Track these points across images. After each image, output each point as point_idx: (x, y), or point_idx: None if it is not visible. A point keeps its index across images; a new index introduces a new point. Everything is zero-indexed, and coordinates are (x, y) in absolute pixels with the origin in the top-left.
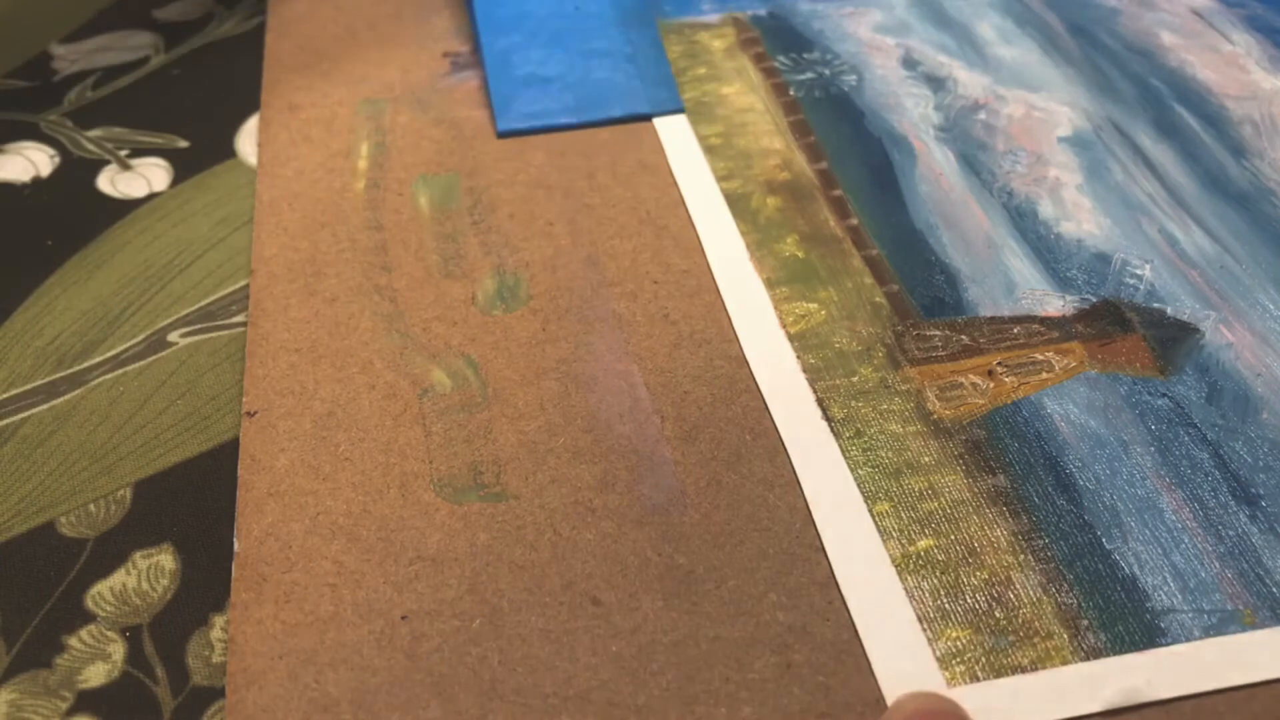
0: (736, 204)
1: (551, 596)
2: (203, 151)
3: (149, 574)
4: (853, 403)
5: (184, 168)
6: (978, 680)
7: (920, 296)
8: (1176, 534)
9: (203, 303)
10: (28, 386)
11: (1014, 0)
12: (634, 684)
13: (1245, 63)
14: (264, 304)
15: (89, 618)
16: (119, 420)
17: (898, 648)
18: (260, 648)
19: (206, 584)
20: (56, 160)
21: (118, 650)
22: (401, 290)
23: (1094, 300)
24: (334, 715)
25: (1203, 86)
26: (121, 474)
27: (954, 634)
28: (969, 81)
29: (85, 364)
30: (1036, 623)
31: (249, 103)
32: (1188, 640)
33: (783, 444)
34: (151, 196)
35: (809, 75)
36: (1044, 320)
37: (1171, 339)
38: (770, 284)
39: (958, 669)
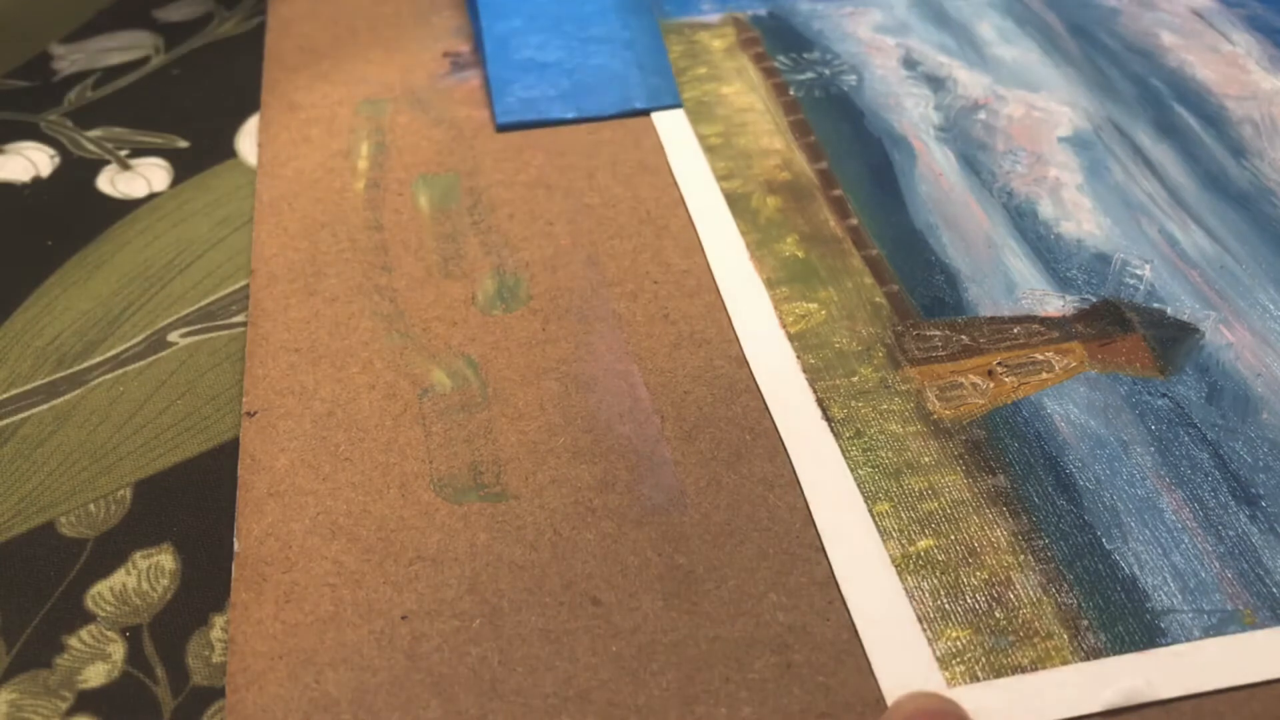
0: (736, 204)
1: (551, 596)
2: (203, 151)
3: (149, 574)
4: (853, 403)
5: (184, 168)
6: (978, 680)
7: (920, 296)
8: (1176, 534)
9: (203, 303)
10: (28, 386)
11: (1014, 0)
12: (634, 684)
13: (1245, 63)
14: (264, 304)
15: (89, 618)
16: (119, 420)
17: (898, 648)
18: (260, 648)
19: (206, 584)
20: (56, 160)
21: (118, 650)
22: (401, 290)
23: (1094, 300)
24: (334, 715)
25: (1203, 86)
26: (121, 474)
27: (954, 634)
28: (969, 81)
29: (85, 364)
30: (1036, 623)
31: (249, 103)
32: (1188, 640)
33: (783, 444)
34: (151, 196)
35: (809, 75)
36: (1044, 320)
37: (1171, 339)
38: (770, 284)
39: (958, 669)
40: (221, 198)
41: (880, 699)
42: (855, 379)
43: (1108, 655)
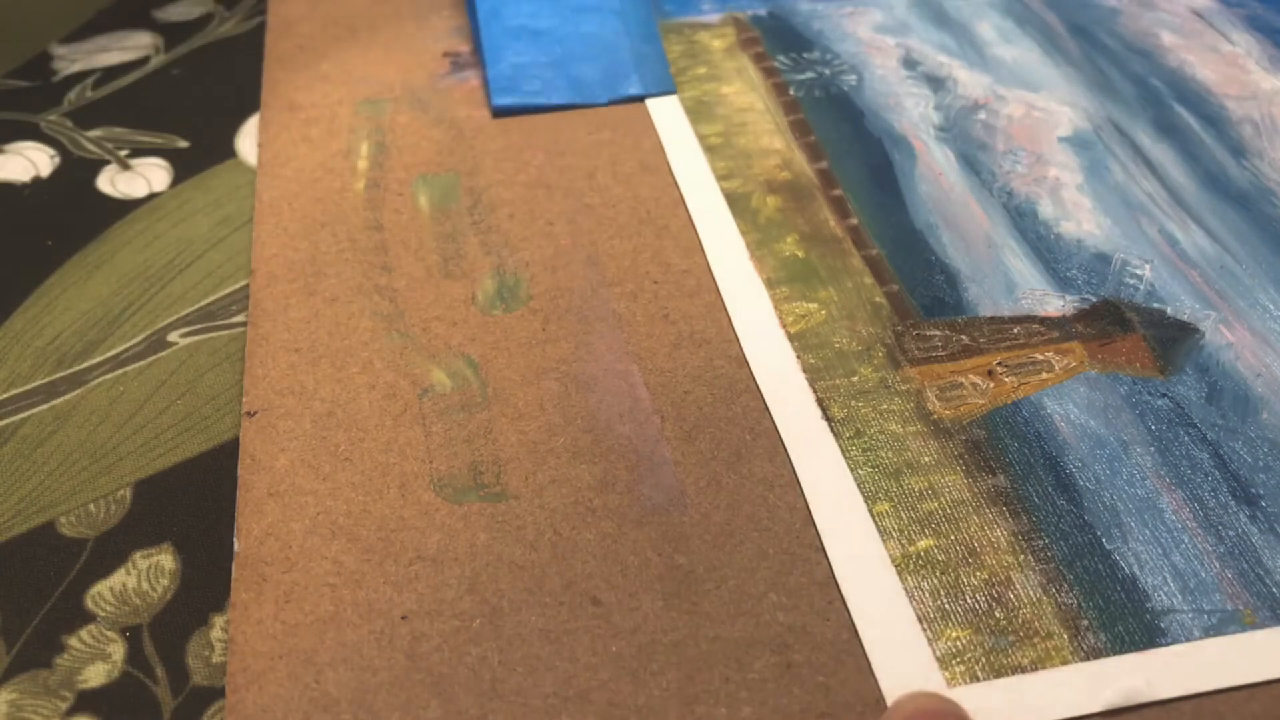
0: (736, 204)
1: (551, 596)
2: (203, 151)
3: (149, 574)
4: (853, 403)
5: (184, 168)
6: (978, 680)
7: (920, 296)
8: (1176, 534)
9: (203, 303)
10: (28, 386)
11: (1014, 0)
12: (634, 684)
13: (1245, 63)
14: (264, 304)
15: (89, 618)
16: (119, 420)
17: (898, 648)
18: (260, 648)
19: (206, 584)
20: (56, 160)
21: (118, 650)
22: (401, 290)
23: (1094, 300)
24: (334, 715)
25: (1203, 86)
26: (121, 474)
27: (954, 634)
28: (969, 81)
29: (85, 364)
30: (1036, 623)
31: (249, 103)
32: (1188, 640)
33: (783, 444)
34: (151, 196)
35: (809, 75)
36: (1044, 320)
37: (1171, 339)
38: (770, 284)
39: (958, 669)
40: (221, 198)
41: (880, 699)
42: (855, 379)
43: (1108, 655)
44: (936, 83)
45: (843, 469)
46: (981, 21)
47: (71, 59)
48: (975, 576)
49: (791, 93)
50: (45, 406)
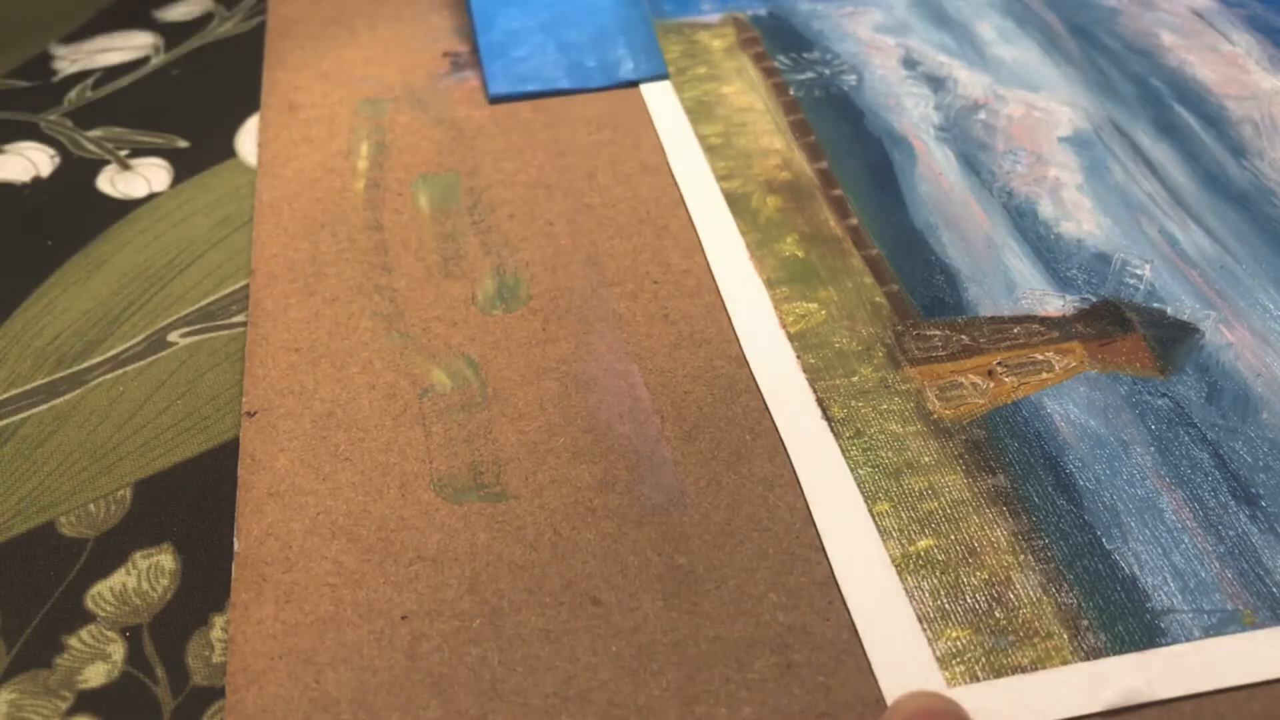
0: (736, 204)
1: (551, 596)
2: (203, 151)
3: (149, 574)
4: (853, 403)
5: (184, 168)
6: (978, 680)
7: (920, 296)
8: (1176, 534)
9: (203, 303)
10: (28, 386)
11: (1014, 0)
12: (634, 684)
13: (1245, 63)
14: (264, 304)
15: (89, 618)
16: (119, 420)
17: (898, 648)
18: (260, 648)
19: (206, 584)
20: (56, 160)
21: (118, 650)
22: (401, 290)
23: (1094, 300)
24: (334, 715)
25: (1203, 86)
26: (121, 474)
27: (954, 634)
28: (969, 81)
29: (85, 364)
30: (1036, 623)
31: (249, 103)
32: (1188, 640)
33: (783, 444)
34: (151, 196)
35: (809, 75)
36: (1044, 320)
37: (1171, 339)
38: (770, 284)
39: (958, 669)
40: (221, 198)
41: (880, 699)
42: (855, 379)
43: (1108, 655)
44: (936, 83)
45: (843, 469)
46: (981, 21)
47: (71, 59)
48: (975, 576)
49: (791, 93)
50: (45, 406)
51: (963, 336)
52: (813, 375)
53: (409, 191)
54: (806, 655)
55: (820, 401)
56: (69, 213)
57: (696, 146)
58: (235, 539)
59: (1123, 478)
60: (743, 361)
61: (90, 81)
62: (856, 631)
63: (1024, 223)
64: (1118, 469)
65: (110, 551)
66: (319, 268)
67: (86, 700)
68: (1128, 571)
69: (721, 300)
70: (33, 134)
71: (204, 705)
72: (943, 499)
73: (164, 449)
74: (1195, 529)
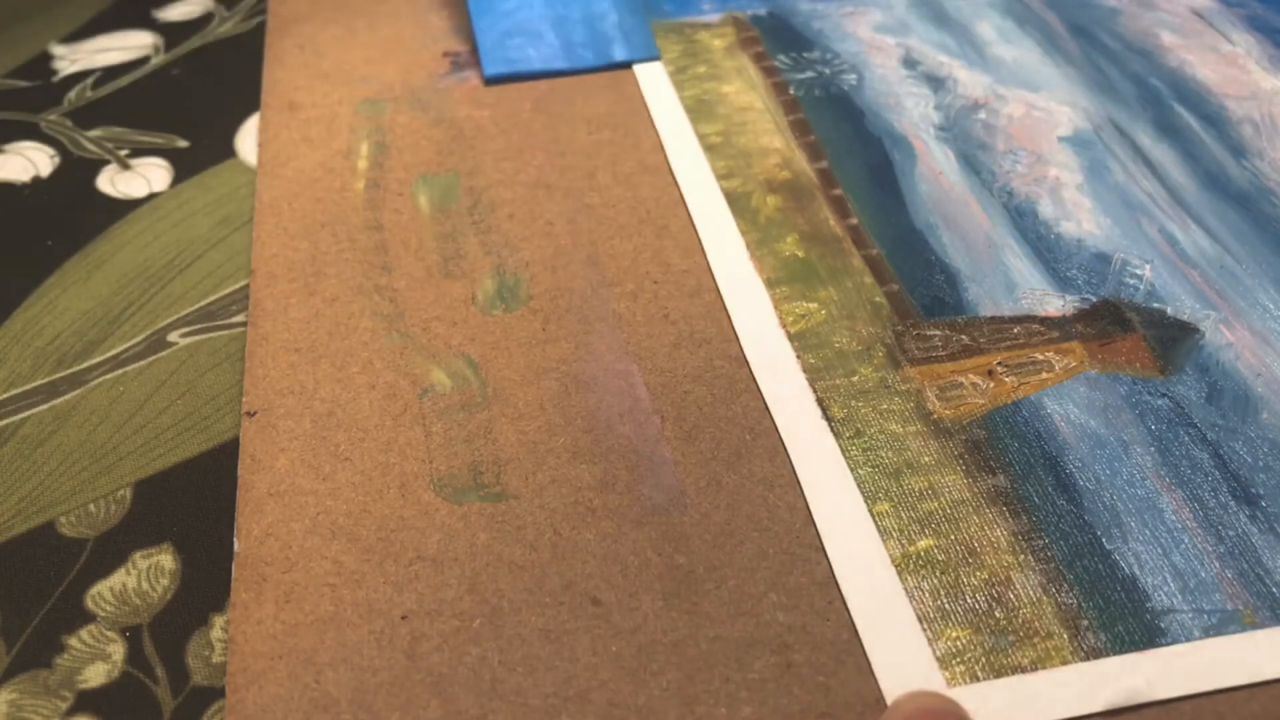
0: (736, 203)
1: (551, 596)
2: (203, 151)
3: (149, 574)
4: (853, 402)
5: (184, 168)
6: (978, 680)
7: (920, 296)
8: (1176, 534)
9: (203, 303)
10: (28, 386)
11: (1014, 0)
12: (634, 684)
13: (1245, 63)
14: (264, 304)
15: (89, 618)
16: (119, 420)
17: (898, 648)
18: (260, 648)
19: (206, 584)
20: (56, 160)
21: (118, 650)
22: (401, 290)
23: (1094, 300)
24: (334, 715)
25: (1203, 86)
26: (121, 474)
27: (954, 634)
28: (969, 81)
29: (85, 364)
30: (1036, 623)
31: (249, 103)
32: (1188, 640)
33: (783, 444)
34: (151, 196)
35: (809, 74)
36: (1044, 320)
37: (1171, 339)
38: (770, 284)
39: (958, 669)
40: (221, 198)
41: (880, 699)
42: (855, 379)
43: (1108, 655)
44: (936, 82)
45: (843, 469)
46: (981, 21)
47: (71, 59)
48: (975, 576)
49: (791, 92)
50: (45, 406)
51: (963, 336)
52: (813, 375)
53: (409, 191)
54: (806, 655)
55: (820, 401)
56: (69, 213)
57: (696, 146)
58: (235, 539)
59: (1123, 478)
60: (743, 361)
61: (90, 81)
62: (856, 631)
63: (1024, 222)
64: (1118, 469)
65: (110, 551)
66: (319, 268)
67: (86, 700)
68: (1128, 571)
69: (721, 300)
70: (33, 134)
71: (204, 705)
72: (943, 499)
73: (164, 449)
74: (1195, 529)
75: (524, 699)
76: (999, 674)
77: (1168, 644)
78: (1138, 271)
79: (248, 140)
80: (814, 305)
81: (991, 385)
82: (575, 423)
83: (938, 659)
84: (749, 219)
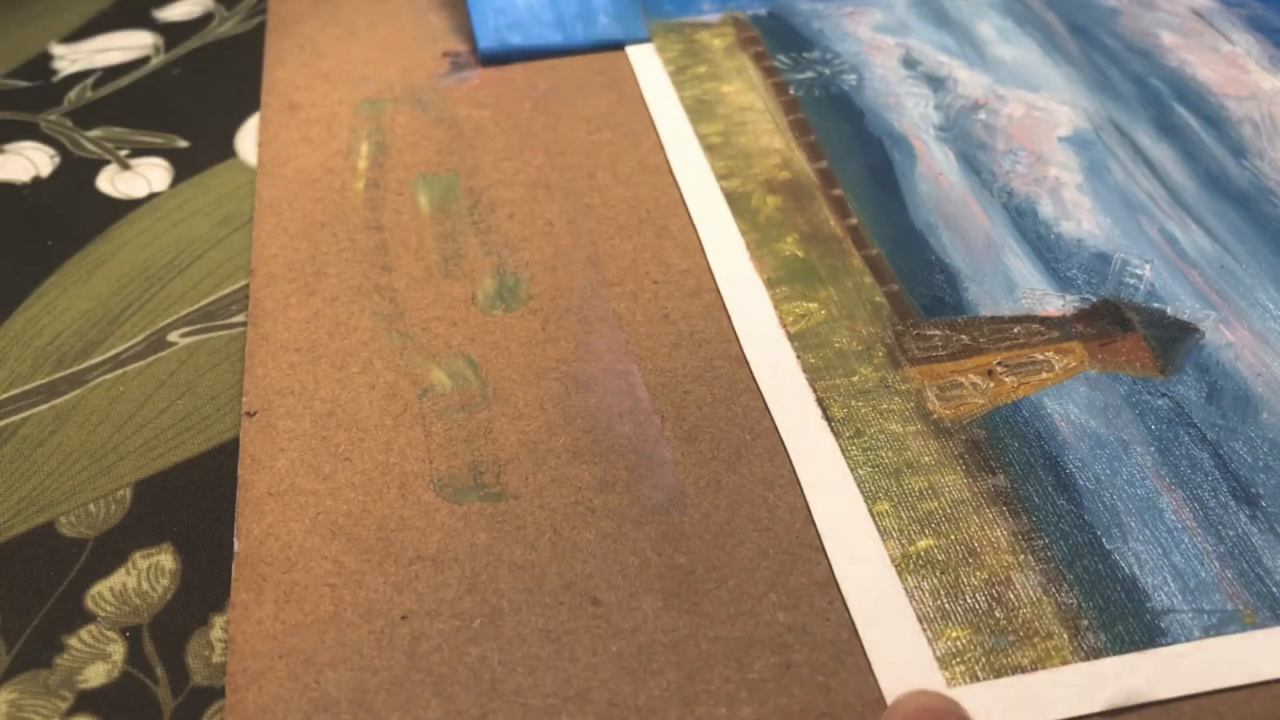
0: (736, 203)
1: (551, 596)
2: (203, 151)
3: (149, 574)
4: (853, 402)
5: (184, 168)
6: (978, 680)
7: (920, 296)
8: (1176, 534)
9: (203, 303)
10: (28, 386)
11: (1014, 0)
12: (634, 684)
13: (1245, 63)
14: (264, 304)
15: (89, 618)
16: (119, 420)
17: (898, 648)
18: (260, 648)
19: (206, 584)
20: (56, 160)
21: (118, 650)
22: (401, 290)
23: (1094, 300)
24: (334, 715)
25: (1203, 86)
26: (121, 474)
27: (954, 634)
28: (969, 81)
29: (85, 364)
30: (1036, 623)
31: (249, 103)
32: (1188, 640)
33: (783, 444)
34: (151, 196)
35: (809, 74)
36: (1044, 320)
37: (1171, 339)
38: (770, 284)
39: (958, 669)
40: (221, 198)
41: (880, 699)
42: (855, 379)
43: (1108, 655)
44: (936, 82)
45: (843, 469)
46: (981, 21)
47: (71, 59)
48: (975, 576)
49: (791, 92)
50: (45, 406)
51: (963, 336)
52: (813, 375)
53: (409, 191)
54: (806, 655)
55: (820, 401)
56: (69, 213)
57: (696, 146)
58: (235, 539)
59: (1123, 478)
60: (743, 361)
61: (90, 81)
62: (856, 631)
63: (1024, 222)
64: (1118, 469)
65: (110, 551)
66: (319, 268)
67: (86, 700)
68: (1128, 571)
69: (721, 300)
70: (33, 134)
71: (204, 705)
72: (943, 499)
73: (164, 449)
74: (1195, 529)
75: (524, 699)
76: (999, 674)
77: (1168, 644)
78: (1138, 271)
79: (248, 140)
80: (814, 305)
81: (991, 385)
82: (575, 423)
83: (938, 659)
84: (749, 219)
